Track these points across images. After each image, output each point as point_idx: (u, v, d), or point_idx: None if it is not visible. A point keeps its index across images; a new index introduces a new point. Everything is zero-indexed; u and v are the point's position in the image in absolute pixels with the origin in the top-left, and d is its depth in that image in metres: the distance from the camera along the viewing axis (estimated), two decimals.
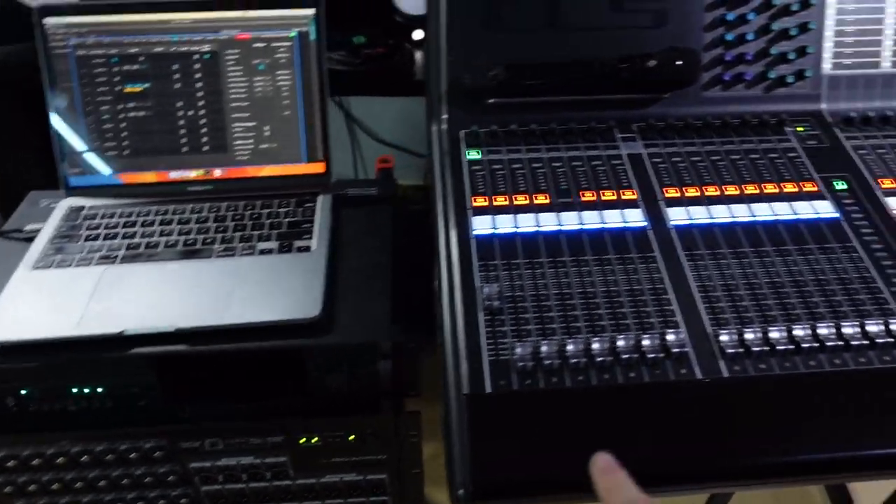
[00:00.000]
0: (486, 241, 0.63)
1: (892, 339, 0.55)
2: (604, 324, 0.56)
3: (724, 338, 0.55)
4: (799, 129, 0.74)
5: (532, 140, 0.73)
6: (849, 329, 0.55)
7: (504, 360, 0.54)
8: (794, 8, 0.73)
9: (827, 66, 0.76)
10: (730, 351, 0.54)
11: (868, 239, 0.63)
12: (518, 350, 0.54)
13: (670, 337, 0.55)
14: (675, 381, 0.53)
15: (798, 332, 0.55)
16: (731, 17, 0.73)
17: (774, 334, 0.55)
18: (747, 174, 0.69)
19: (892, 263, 0.61)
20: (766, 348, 0.54)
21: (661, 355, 0.54)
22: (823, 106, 0.76)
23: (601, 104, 0.75)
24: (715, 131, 0.74)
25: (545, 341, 0.55)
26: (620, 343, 0.54)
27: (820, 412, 0.52)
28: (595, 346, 0.54)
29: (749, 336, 0.55)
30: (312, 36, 0.75)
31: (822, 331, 0.55)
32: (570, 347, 0.54)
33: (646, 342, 0.54)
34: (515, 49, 0.74)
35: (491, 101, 0.74)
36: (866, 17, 0.75)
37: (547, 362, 0.53)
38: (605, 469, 0.40)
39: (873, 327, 0.55)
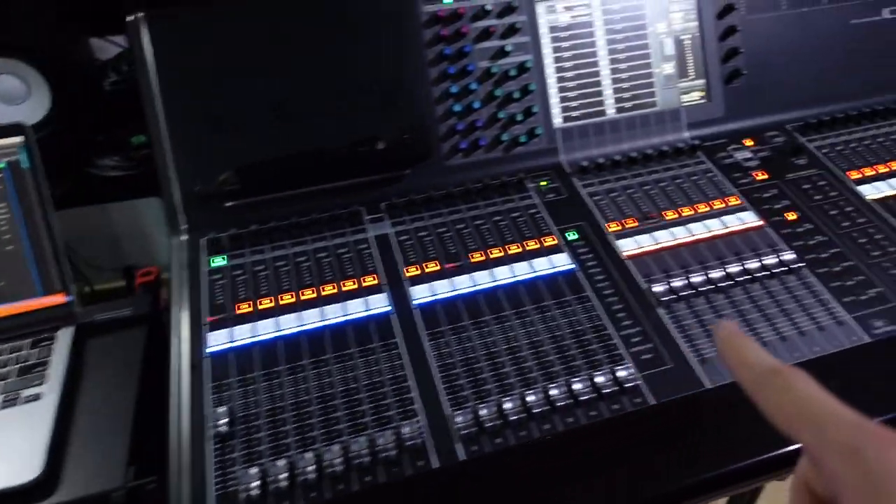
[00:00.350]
0: (222, 358, 0.61)
1: (618, 388, 0.57)
2: (340, 428, 0.55)
3: (459, 419, 0.55)
4: (542, 183, 0.79)
5: (278, 237, 0.72)
6: (579, 385, 0.57)
7: (232, 492, 0.52)
8: (513, 73, 0.78)
9: (558, 120, 0.81)
10: (464, 432, 0.55)
11: (601, 286, 0.67)
12: (245, 477, 0.52)
13: (406, 429, 0.54)
14: (410, 477, 0.52)
15: (531, 397, 0.56)
16: (454, 89, 0.77)
17: (508, 405, 0.56)
18: (490, 238, 0.72)
19: (621, 307, 0.65)
20: (500, 422, 0.55)
21: (396, 452, 0.53)
22: (562, 158, 0.81)
23: (345, 189, 0.76)
24: (460, 198, 0.76)
25: (276, 461, 0.53)
26: (354, 447, 0.53)
27: (558, 474, 0.53)
28: (327, 455, 0.53)
29: (483, 412, 0.55)
30: (25, 164, 0.71)
31: (554, 391, 0.57)
32: (301, 462, 0.53)
33: (381, 441, 0.54)
34: (245, 148, 0.73)
35: (229, 204, 0.73)
36: (584, 72, 0.82)
37: (274, 486, 0.51)
38: (729, 336, 0.34)
39: (601, 378, 0.58)
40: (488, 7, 0.77)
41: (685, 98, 0.85)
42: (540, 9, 0.80)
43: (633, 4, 0.82)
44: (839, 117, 0.86)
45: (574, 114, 0.82)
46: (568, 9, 0.80)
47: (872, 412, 0.56)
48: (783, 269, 0.68)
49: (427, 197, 0.75)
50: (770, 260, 0.68)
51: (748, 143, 0.84)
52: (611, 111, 0.83)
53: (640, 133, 0.84)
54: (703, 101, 0.85)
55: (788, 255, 0.69)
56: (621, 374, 0.58)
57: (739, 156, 0.82)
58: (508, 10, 0.78)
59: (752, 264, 0.68)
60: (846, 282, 0.67)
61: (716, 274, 0.67)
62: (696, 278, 0.66)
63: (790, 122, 0.87)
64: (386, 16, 0.76)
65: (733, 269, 0.67)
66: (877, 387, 0.57)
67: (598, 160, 0.80)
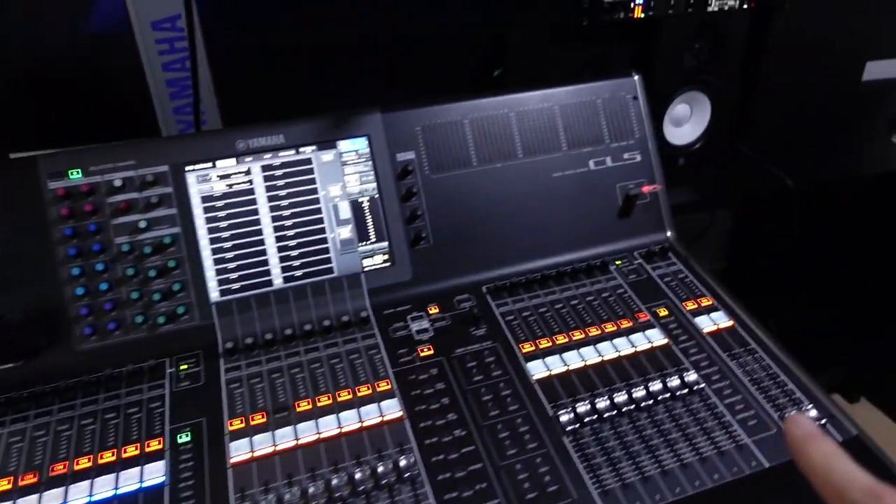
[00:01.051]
0: None
1: None
2: None
3: None
4: (182, 367, 0.72)
5: None
6: None
7: None
8: (147, 251, 0.74)
9: (215, 294, 0.76)
10: None
11: None
12: None
13: None
14: None
15: None
16: (76, 272, 0.72)
17: None
18: (87, 444, 0.65)
19: None
20: None
21: None
22: (219, 336, 0.75)
23: None
24: (81, 391, 0.70)
25: None
26: None
27: None
28: None
29: None
30: None
31: None
32: None
33: None
34: None
35: None
36: (244, 242, 0.77)
37: None
38: (807, 438, 0.27)
39: None
40: (117, 183, 0.73)
41: (367, 262, 0.80)
42: (191, 178, 0.76)
43: (299, 170, 0.79)
44: (535, 278, 0.82)
45: (234, 286, 0.77)
46: (223, 177, 0.77)
47: None
48: (396, 478, 0.61)
49: (44, 390, 0.69)
50: (386, 467, 0.62)
51: (433, 310, 0.79)
52: (278, 281, 0.78)
53: (313, 303, 0.78)
54: (387, 264, 0.81)
55: (408, 460, 0.63)
56: None
57: (415, 326, 0.77)
58: (148, 183, 0.74)
59: (363, 473, 0.61)
60: (464, 492, 0.61)
61: (314, 488, 0.60)
62: (290, 493, 0.60)
63: (487, 282, 0.83)
64: (3, 193, 0.72)
65: (338, 481, 0.61)
66: None
67: (247, 340, 0.74)
